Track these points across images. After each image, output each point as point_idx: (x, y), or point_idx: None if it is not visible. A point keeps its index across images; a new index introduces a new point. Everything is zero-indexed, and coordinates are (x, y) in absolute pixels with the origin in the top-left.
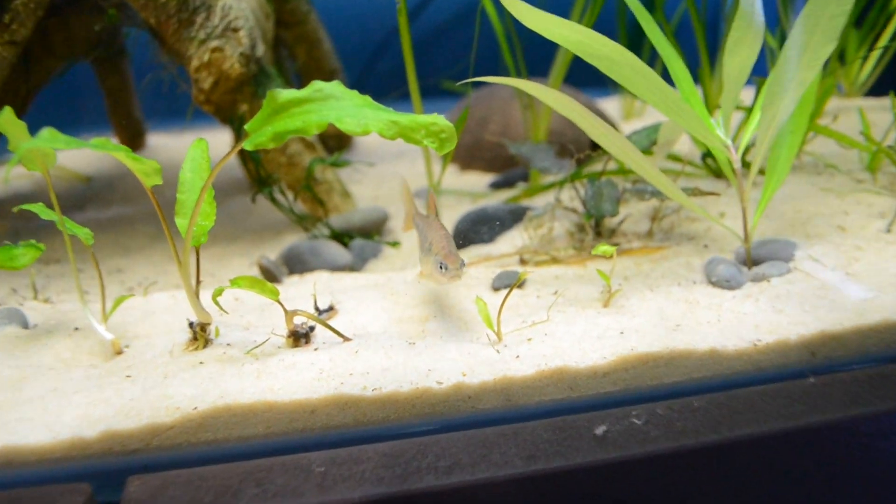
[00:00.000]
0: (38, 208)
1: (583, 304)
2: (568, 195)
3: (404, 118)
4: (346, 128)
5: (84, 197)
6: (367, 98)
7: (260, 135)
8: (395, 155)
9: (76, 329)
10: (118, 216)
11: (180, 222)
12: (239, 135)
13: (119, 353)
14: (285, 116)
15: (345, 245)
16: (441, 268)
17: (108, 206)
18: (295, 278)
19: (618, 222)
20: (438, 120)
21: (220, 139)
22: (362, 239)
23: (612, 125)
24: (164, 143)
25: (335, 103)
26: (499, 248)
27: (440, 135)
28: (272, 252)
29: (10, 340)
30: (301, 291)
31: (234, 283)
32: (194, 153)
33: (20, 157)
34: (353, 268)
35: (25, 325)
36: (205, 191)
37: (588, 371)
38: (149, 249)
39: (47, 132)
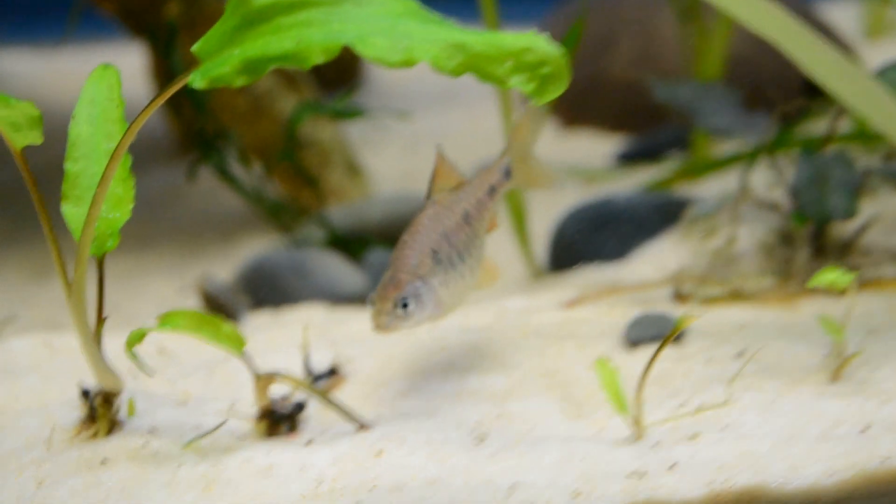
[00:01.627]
0: None
1: (792, 375)
2: (763, 179)
3: (476, 40)
4: (376, 54)
5: None
6: (410, 0)
7: (221, 62)
8: (438, 97)
9: None
10: None
11: (70, 212)
12: (167, 56)
13: None
14: (266, 31)
15: (354, 258)
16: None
17: None
18: (264, 317)
19: (855, 230)
20: (536, 42)
21: (126, 65)
22: (384, 249)
23: (846, 50)
24: (26, 69)
25: (354, 10)
26: (636, 272)
27: (539, 69)
28: (222, 268)
29: None
30: (277, 341)
31: (167, 320)
32: (95, 90)
33: None
34: (367, 299)
35: None
36: (117, 159)
37: (802, 497)
38: (4, 259)
39: None
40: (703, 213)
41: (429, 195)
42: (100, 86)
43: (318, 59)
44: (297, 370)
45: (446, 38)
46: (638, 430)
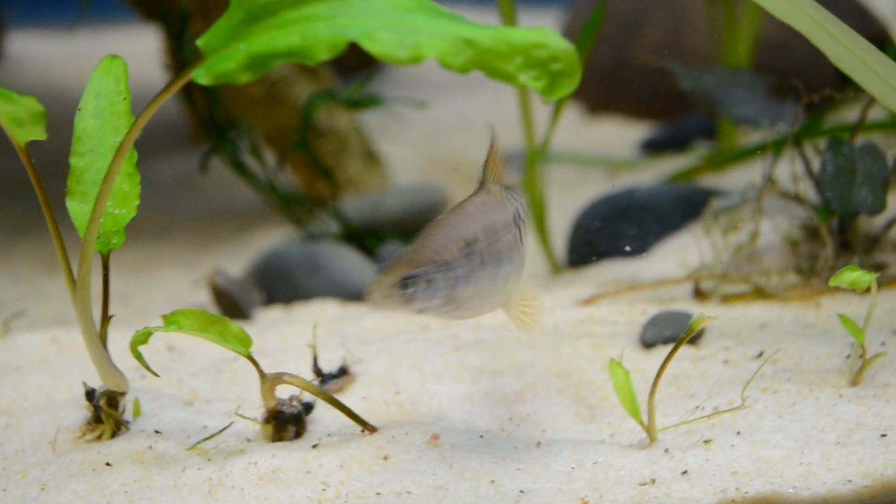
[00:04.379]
0: None
1: (811, 378)
2: (787, 170)
3: (485, 35)
4: (382, 50)
5: None
6: None
7: (225, 58)
8: (462, 82)
9: None
10: None
11: (76, 209)
12: (179, 44)
13: None
14: (271, 26)
15: (369, 252)
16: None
17: None
18: (276, 312)
19: (884, 225)
20: (547, 38)
21: (140, 48)
22: (400, 242)
23: (881, 38)
24: (38, 51)
25: (360, 4)
26: (657, 267)
27: (549, 66)
28: (234, 262)
29: None
30: (287, 339)
31: (171, 320)
32: (102, 83)
33: None
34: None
35: None
36: (122, 154)
37: None
38: (9, 253)
39: None
40: (726, 206)
41: (482, 181)
42: (106, 78)
43: (324, 54)
44: (307, 370)
45: (454, 34)
46: (651, 435)
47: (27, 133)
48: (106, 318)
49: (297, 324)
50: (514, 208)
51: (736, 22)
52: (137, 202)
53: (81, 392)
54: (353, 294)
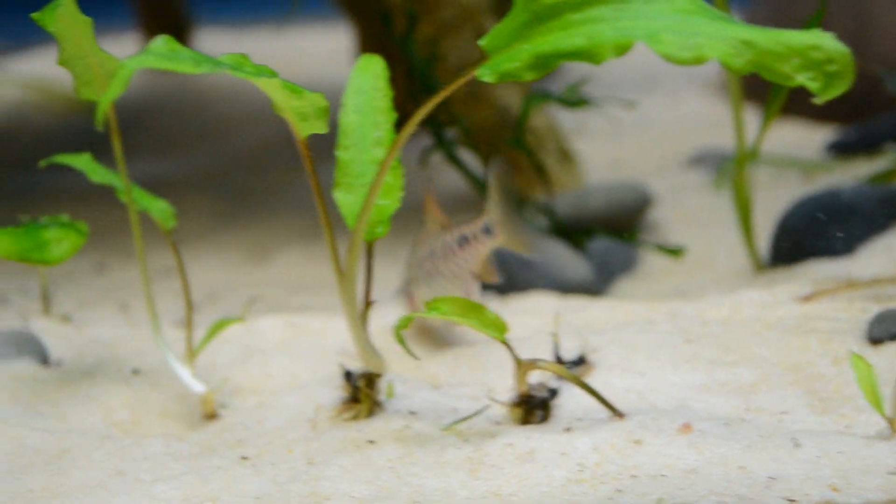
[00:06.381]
0: (82, 163)
1: None
2: None
3: (763, 37)
4: (666, 51)
5: (85, 140)
6: None
7: (510, 57)
8: (638, 82)
9: (135, 371)
10: (152, 177)
11: (342, 199)
12: (403, 45)
13: (212, 416)
14: (555, 27)
15: (577, 247)
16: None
17: (130, 159)
18: (492, 303)
19: None
20: (822, 40)
21: (320, 46)
22: (607, 238)
23: None
24: (224, 48)
25: (642, 7)
26: (865, 266)
27: (826, 66)
28: None
29: (25, 385)
30: (514, 329)
31: (433, 307)
32: (361, 80)
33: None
34: (591, 289)
35: (45, 360)
36: (396, 148)
37: None
38: (219, 242)
39: (164, 44)
40: None
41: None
42: (365, 75)
43: (609, 55)
44: (545, 354)
45: (734, 36)
46: (893, 426)
47: (309, 126)
48: (368, 304)
49: (518, 313)
50: (431, 246)
51: None
52: (401, 194)
53: (325, 373)
54: (565, 286)
